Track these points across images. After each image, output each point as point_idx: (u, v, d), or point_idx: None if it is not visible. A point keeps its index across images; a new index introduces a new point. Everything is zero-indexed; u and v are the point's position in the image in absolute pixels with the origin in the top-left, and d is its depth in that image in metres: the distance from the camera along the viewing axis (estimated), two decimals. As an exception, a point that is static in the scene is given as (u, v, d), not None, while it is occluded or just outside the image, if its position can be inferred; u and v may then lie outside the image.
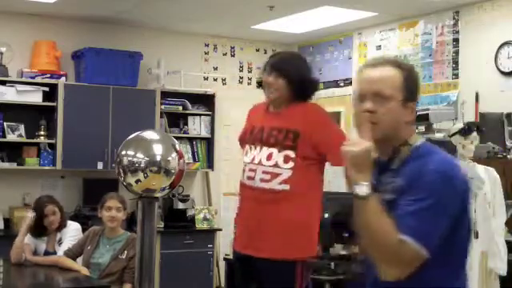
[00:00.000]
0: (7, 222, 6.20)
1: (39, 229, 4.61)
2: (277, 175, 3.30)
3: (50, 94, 6.33)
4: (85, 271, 4.28)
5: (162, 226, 6.61)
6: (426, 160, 1.89)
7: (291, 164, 3.30)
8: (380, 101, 1.91)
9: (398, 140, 1.95)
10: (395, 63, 1.98)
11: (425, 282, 1.85)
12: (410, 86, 1.96)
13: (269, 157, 3.33)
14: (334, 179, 6.84)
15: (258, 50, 7.71)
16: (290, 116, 3.38)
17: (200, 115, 7.10)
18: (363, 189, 1.82)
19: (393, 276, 1.83)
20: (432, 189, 1.83)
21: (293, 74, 3.39)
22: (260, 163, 3.34)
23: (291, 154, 3.30)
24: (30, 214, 4.62)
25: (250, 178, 3.36)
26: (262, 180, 3.32)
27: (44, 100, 6.29)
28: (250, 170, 3.37)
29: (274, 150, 3.32)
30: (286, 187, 3.30)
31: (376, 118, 1.90)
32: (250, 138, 3.46)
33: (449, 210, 1.85)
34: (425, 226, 1.80)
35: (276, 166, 3.30)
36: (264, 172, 3.32)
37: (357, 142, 1.86)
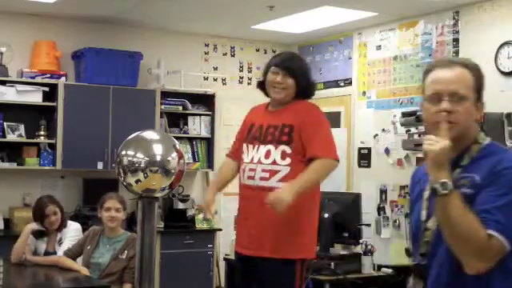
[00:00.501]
0: (7, 222, 6.19)
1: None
2: (275, 172, 3.31)
3: (50, 93, 6.33)
4: (85, 271, 4.28)
5: (162, 226, 6.61)
6: (501, 157, 1.96)
7: (288, 160, 3.30)
8: (456, 101, 1.98)
9: (469, 138, 2.03)
10: (463, 64, 2.04)
11: (504, 273, 1.91)
12: (480, 86, 2.04)
13: (267, 154, 3.35)
14: (334, 179, 6.84)
15: (258, 50, 7.71)
16: (287, 113, 3.41)
17: (200, 115, 7.10)
18: (444, 186, 1.87)
19: (477, 269, 1.88)
20: None
21: (301, 74, 3.43)
22: (259, 162, 3.36)
23: (287, 149, 3.32)
24: (33, 227, 4.60)
25: (250, 177, 3.38)
26: (261, 178, 3.33)
27: (44, 100, 6.29)
28: (250, 169, 3.38)
29: (271, 147, 3.34)
30: None
31: (454, 117, 1.97)
32: (248, 137, 3.48)
33: None
34: (510, 221, 1.86)
35: (274, 163, 3.32)
36: (263, 170, 3.34)
37: (436, 140, 1.91)
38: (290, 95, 3.43)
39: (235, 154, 3.59)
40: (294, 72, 3.41)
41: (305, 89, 3.46)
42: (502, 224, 1.85)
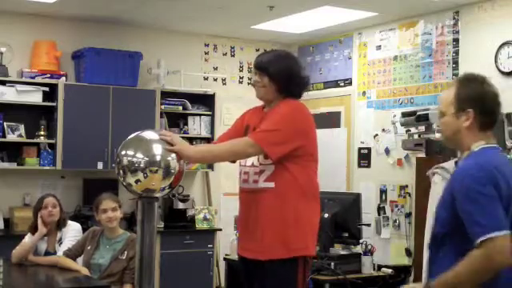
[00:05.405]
0: (7, 222, 6.20)
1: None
2: (261, 172, 3.29)
3: (50, 93, 6.33)
4: (84, 271, 4.28)
5: (162, 226, 6.62)
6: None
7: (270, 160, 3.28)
8: None
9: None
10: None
11: None
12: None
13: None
14: (334, 179, 6.85)
15: (257, 50, 7.70)
16: (270, 113, 3.38)
17: (200, 115, 7.11)
18: None
19: None
20: None
21: (276, 71, 3.37)
22: (252, 165, 3.34)
23: None
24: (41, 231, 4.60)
25: (244, 180, 3.37)
26: (254, 181, 3.32)
27: (44, 100, 6.29)
28: (244, 172, 3.38)
29: None
30: (271, 185, 3.26)
31: None
32: None
33: None
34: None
35: (260, 163, 3.30)
36: (255, 173, 3.32)
37: None
38: (269, 93, 3.38)
39: (223, 138, 3.50)
40: (267, 70, 3.36)
41: (286, 86, 3.41)
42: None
